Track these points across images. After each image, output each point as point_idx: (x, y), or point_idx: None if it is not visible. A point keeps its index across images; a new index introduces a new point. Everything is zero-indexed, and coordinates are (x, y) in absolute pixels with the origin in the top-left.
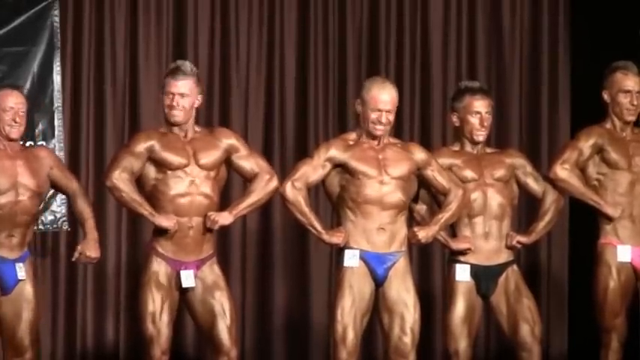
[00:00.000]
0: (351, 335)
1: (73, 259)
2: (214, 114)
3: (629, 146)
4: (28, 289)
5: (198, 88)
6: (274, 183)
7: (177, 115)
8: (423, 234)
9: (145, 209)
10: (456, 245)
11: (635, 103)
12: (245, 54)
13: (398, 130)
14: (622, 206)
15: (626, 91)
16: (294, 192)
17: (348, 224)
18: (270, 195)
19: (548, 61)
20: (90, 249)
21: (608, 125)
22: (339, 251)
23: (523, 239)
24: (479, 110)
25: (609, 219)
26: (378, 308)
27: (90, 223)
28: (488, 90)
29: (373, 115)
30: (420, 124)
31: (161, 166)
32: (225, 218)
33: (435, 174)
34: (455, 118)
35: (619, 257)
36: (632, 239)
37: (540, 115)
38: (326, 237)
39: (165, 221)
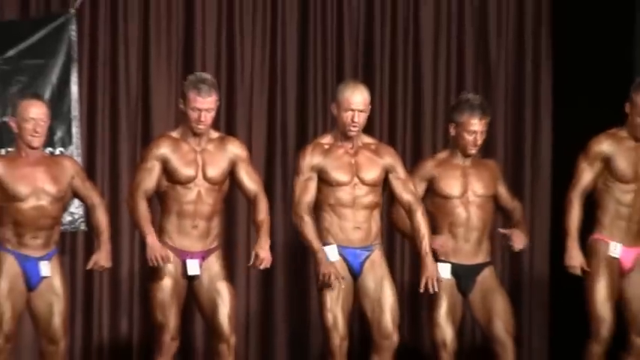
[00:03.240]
0: (340, 322)
1: (88, 268)
2: (220, 115)
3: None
4: (56, 284)
5: (218, 97)
6: (266, 203)
7: (204, 128)
8: (431, 275)
9: (147, 232)
10: (433, 243)
11: None
12: (249, 59)
13: (391, 133)
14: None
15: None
16: (304, 223)
17: (326, 223)
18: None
19: (532, 75)
20: (103, 259)
21: (624, 133)
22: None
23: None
24: (475, 129)
25: None
26: (359, 298)
27: (105, 236)
28: (487, 106)
29: (347, 117)
30: (412, 125)
31: (172, 176)
32: (268, 258)
33: (397, 183)
34: (452, 129)
35: (610, 252)
36: (623, 238)
37: (524, 122)
38: (323, 262)
39: (160, 250)
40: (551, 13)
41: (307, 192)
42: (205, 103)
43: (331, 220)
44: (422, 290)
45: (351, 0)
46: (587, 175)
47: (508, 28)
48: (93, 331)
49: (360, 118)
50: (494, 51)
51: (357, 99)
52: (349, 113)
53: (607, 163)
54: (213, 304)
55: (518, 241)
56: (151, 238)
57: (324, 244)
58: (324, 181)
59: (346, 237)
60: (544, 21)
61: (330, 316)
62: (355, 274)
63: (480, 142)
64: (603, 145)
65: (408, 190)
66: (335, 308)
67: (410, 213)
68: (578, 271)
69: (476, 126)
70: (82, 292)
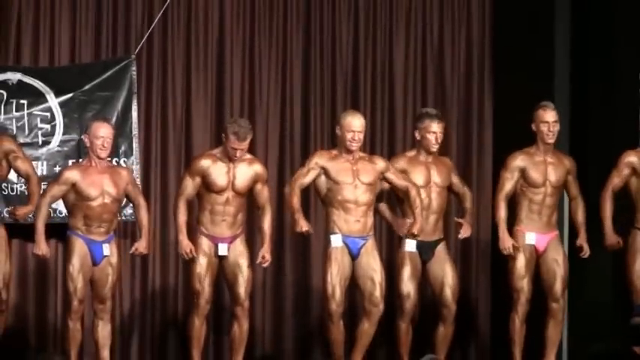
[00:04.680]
0: (338, 292)
1: (130, 252)
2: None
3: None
4: (113, 260)
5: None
6: (271, 215)
7: (238, 157)
8: (417, 228)
9: (180, 233)
10: (398, 229)
11: (552, 130)
12: (266, 90)
13: (372, 139)
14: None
15: (545, 122)
16: (292, 193)
17: (334, 216)
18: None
19: (477, 97)
20: (142, 247)
21: (533, 149)
22: (327, 237)
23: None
24: (434, 131)
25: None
26: (355, 275)
27: (145, 230)
28: (442, 115)
29: (349, 136)
30: (388, 134)
31: (209, 186)
32: (268, 258)
33: (393, 176)
34: (417, 135)
35: (526, 240)
36: (536, 229)
37: (472, 133)
38: (298, 220)
39: (186, 247)
40: (492, 50)
41: (305, 176)
42: (242, 145)
43: (339, 214)
44: (405, 233)
45: (341, 41)
46: (508, 183)
47: (460, 61)
48: (147, 295)
49: (359, 137)
50: (449, 79)
51: (356, 123)
52: (351, 134)
53: (522, 173)
54: (234, 276)
55: (464, 231)
56: (181, 237)
57: (332, 233)
58: (332, 180)
59: (348, 228)
60: (487, 56)
61: (329, 288)
62: (354, 256)
63: (439, 140)
64: (518, 160)
65: (403, 179)
66: (334, 281)
67: (407, 192)
68: (511, 251)
69: (435, 127)
70: (139, 267)
